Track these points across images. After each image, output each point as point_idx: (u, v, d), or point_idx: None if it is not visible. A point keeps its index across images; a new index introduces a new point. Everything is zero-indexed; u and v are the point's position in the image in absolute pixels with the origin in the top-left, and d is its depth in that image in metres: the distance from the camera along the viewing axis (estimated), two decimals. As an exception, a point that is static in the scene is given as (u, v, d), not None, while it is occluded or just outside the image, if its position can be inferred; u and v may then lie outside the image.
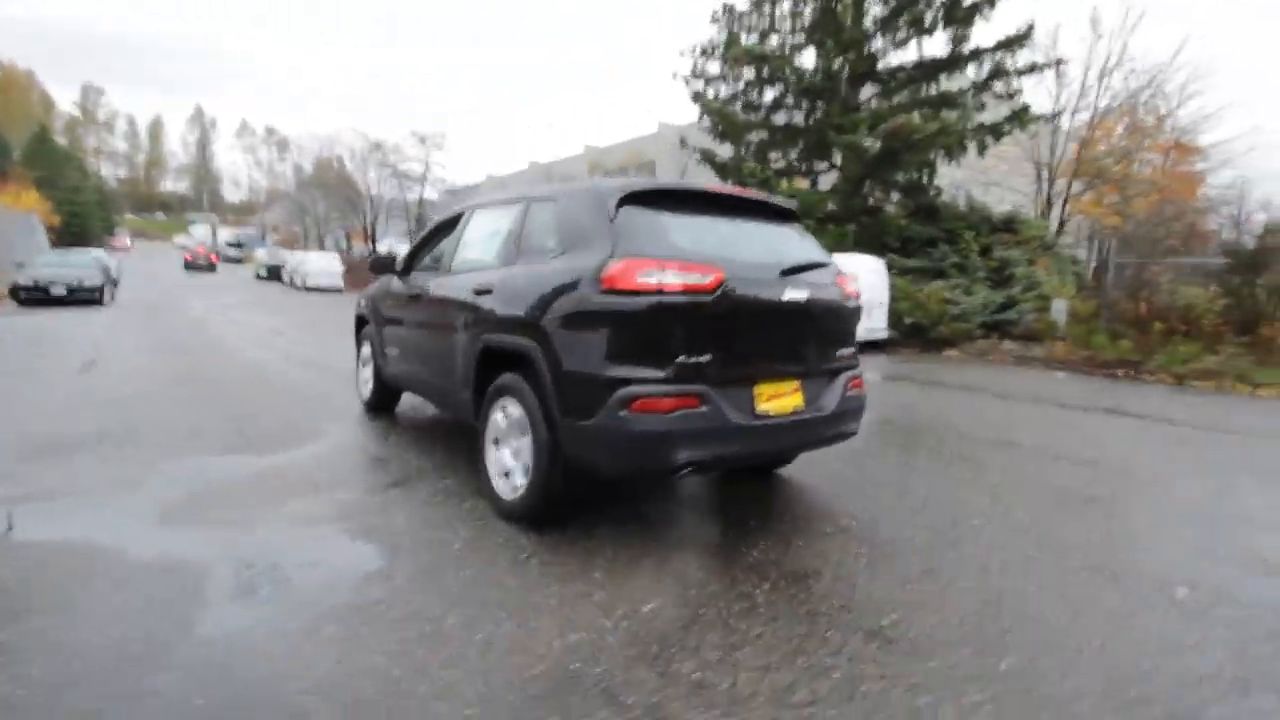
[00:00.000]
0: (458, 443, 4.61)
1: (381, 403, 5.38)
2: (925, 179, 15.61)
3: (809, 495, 3.81)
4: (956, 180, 18.10)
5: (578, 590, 2.56)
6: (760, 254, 3.12)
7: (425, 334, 4.12)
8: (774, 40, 16.46)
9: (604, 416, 2.64)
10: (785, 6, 15.73)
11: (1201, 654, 2.31)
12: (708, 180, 18.37)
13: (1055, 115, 16.26)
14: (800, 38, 16.10)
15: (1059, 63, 13.31)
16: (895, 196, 16.16)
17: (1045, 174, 18.20)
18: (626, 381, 2.65)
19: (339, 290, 25.27)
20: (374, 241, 31.31)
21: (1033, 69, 13.59)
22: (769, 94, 16.65)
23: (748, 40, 16.04)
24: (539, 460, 2.91)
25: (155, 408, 5.45)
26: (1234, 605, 2.66)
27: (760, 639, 2.29)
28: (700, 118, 16.51)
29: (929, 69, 15.24)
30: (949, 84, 14.99)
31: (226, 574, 2.60)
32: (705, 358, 2.71)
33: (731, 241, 3.08)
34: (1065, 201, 18.11)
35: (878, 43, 15.67)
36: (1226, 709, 2.03)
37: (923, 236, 15.35)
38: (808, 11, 15.43)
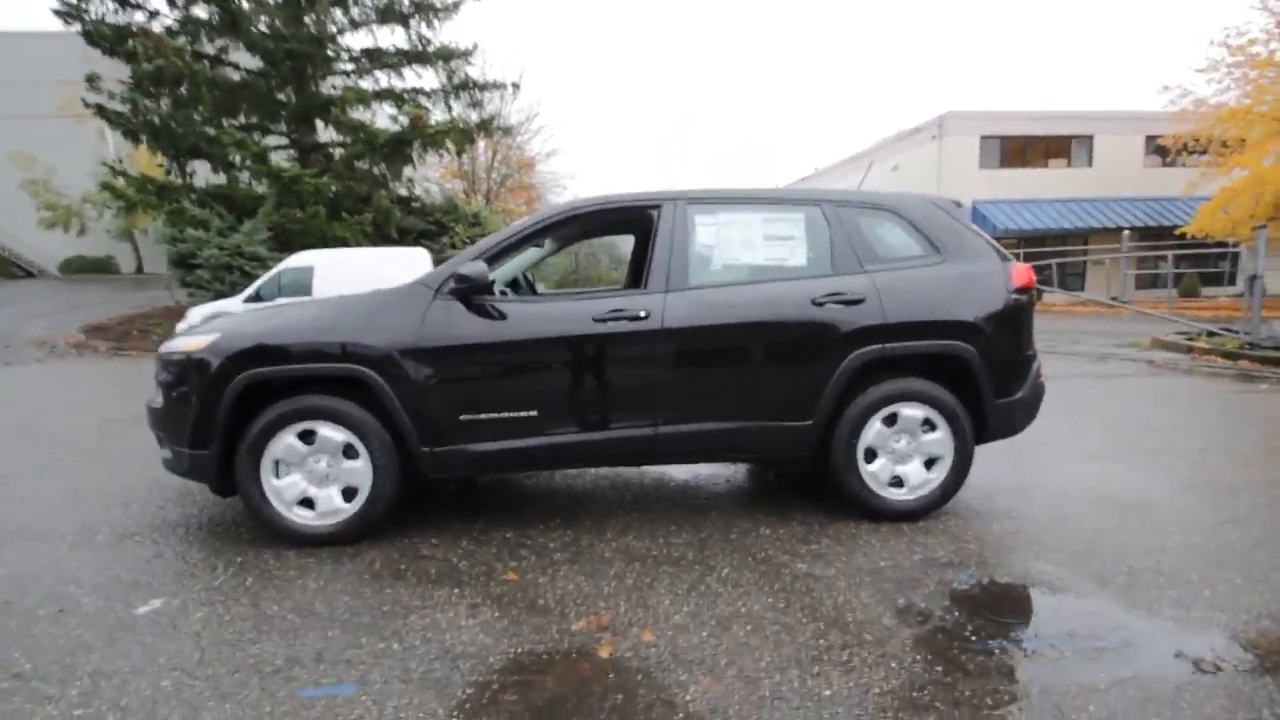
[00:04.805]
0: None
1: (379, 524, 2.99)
2: (400, 173, 15.61)
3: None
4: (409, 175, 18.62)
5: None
6: None
7: (700, 369, 3.14)
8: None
9: (1028, 388, 3.23)
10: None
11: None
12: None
13: (510, 129, 18.73)
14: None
15: (515, 85, 15.60)
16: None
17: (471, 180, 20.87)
18: (1034, 357, 3.28)
19: None
20: None
21: (496, 85, 15.51)
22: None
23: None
24: (961, 449, 3.09)
25: None
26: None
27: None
28: (120, 57, 11.61)
29: (392, 59, 15.19)
30: (419, 83, 15.40)
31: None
32: None
33: None
34: (488, 199, 21.38)
35: (336, 16, 14.52)
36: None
37: (416, 229, 15.46)
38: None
